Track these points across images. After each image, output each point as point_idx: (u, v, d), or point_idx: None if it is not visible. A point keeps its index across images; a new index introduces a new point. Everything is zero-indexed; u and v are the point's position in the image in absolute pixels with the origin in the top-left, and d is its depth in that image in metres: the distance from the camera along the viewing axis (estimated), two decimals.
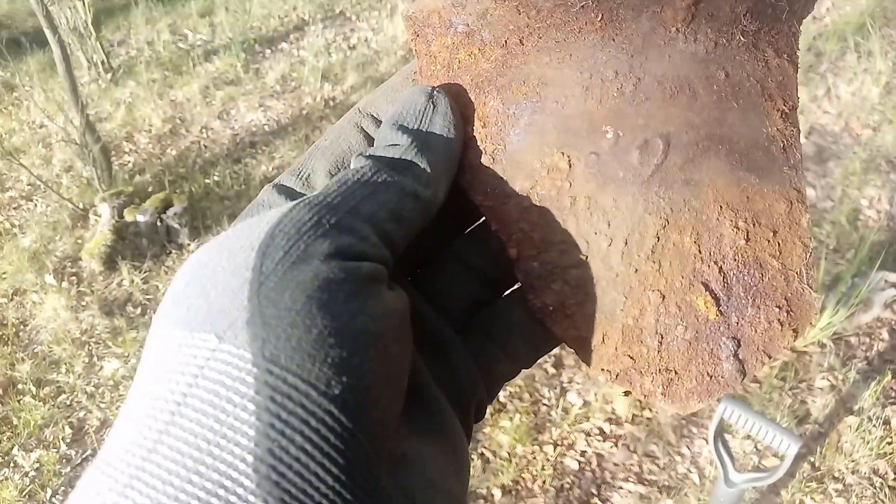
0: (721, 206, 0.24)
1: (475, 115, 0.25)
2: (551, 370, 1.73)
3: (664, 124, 0.24)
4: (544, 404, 1.66)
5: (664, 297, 0.24)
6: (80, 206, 2.19)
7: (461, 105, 0.25)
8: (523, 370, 0.27)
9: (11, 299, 1.99)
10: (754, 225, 0.24)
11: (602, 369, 0.25)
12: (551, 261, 0.25)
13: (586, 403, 1.66)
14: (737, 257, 0.24)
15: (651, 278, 0.24)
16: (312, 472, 0.16)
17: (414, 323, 0.22)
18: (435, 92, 0.24)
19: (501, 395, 1.68)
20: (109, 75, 2.83)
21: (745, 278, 0.24)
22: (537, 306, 0.25)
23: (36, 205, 2.31)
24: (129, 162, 2.47)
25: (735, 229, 0.24)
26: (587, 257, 0.24)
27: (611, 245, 0.24)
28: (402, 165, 0.22)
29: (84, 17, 2.63)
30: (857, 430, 1.57)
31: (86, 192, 2.27)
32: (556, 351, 1.53)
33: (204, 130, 2.59)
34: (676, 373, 0.24)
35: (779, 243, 0.25)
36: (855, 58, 2.62)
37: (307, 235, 0.19)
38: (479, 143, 0.25)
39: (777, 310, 0.24)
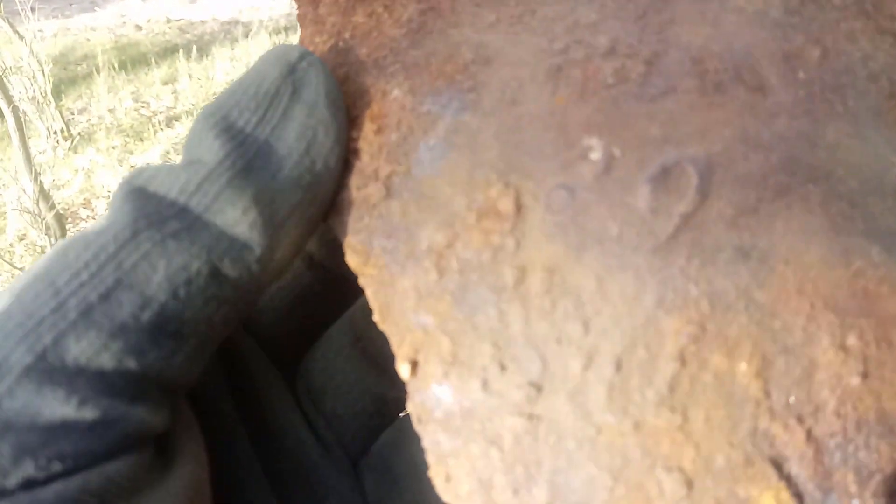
0: (812, 305, 0.12)
1: (366, 113, 0.15)
2: None
3: (701, 138, 0.13)
4: None
5: (691, 485, 0.12)
6: None
7: (347, 95, 0.15)
8: None
9: None
10: (878, 346, 0.12)
11: None
12: (470, 393, 0.13)
13: None
14: (843, 410, 0.12)
15: (667, 443, 0.12)
16: None
17: (281, 455, 0.16)
18: (303, 61, 0.14)
19: None
20: (69, 143, 2.84)
21: (861, 455, 0.12)
22: (441, 478, 0.13)
23: None
24: None
25: (840, 353, 0.12)
26: (540, 390, 0.13)
27: (588, 369, 0.13)
28: (199, 207, 0.13)
29: (43, 86, 2.64)
30: None
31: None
32: None
33: None
34: None
35: None
36: None
37: None
38: (366, 162, 0.14)
39: None
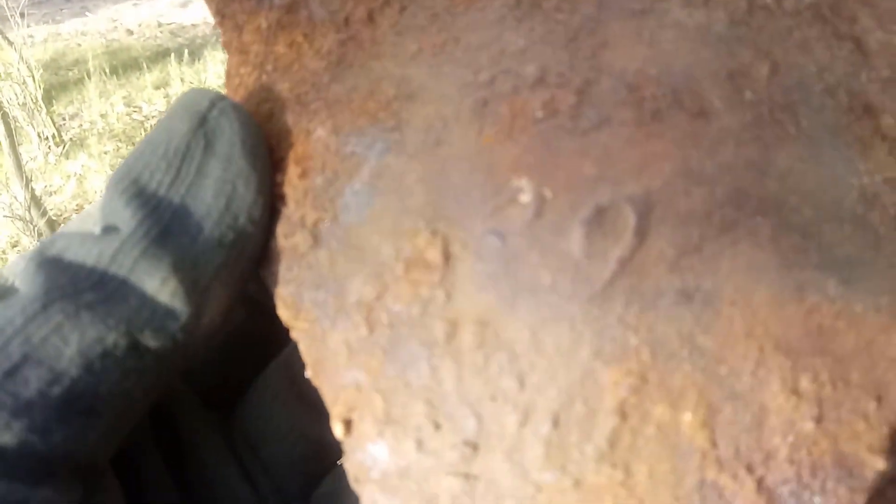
0: (761, 348, 0.12)
1: (290, 155, 0.14)
2: None
3: (638, 174, 0.12)
4: None
5: None
6: None
7: (271, 136, 0.14)
8: None
9: None
10: (834, 386, 0.12)
11: None
12: (406, 453, 0.12)
13: None
14: (797, 457, 0.12)
15: (610, 501, 0.12)
16: None
17: None
18: (214, 109, 0.13)
19: None
20: (60, 149, 2.83)
21: (817, 501, 0.12)
22: None
23: None
24: None
25: (792, 397, 0.12)
26: (476, 449, 0.12)
27: (525, 426, 0.12)
28: (117, 278, 0.12)
29: (34, 92, 2.63)
30: None
31: None
32: None
33: None
34: None
35: (888, 423, 0.12)
36: None
37: None
38: (292, 209, 0.14)
39: None
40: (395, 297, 0.13)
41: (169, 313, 0.12)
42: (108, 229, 0.13)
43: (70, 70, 3.43)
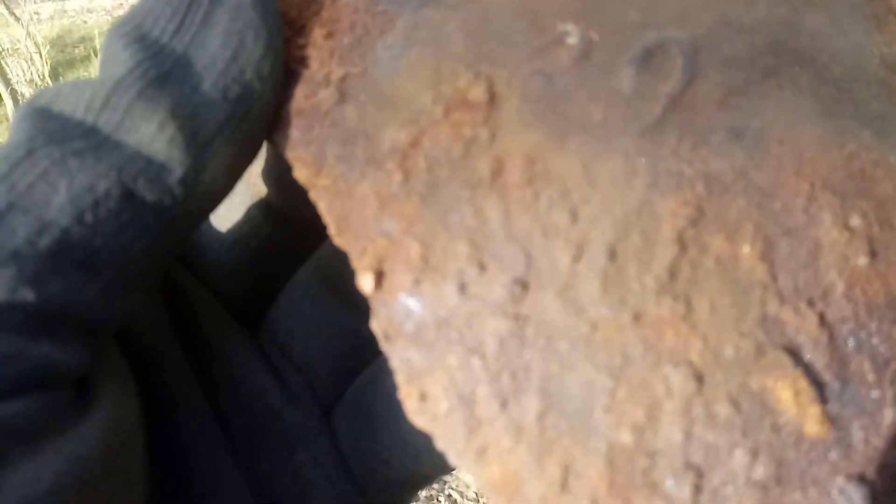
0: (812, 185, 0.12)
1: (314, 20, 0.13)
2: None
3: (682, 22, 0.13)
4: None
5: (701, 379, 0.11)
6: None
7: (290, 6, 0.14)
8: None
9: None
10: (882, 227, 0.12)
11: None
12: (445, 299, 0.12)
13: None
14: (853, 294, 0.11)
15: (671, 336, 0.11)
16: None
17: (239, 406, 0.15)
18: None
19: None
20: None
21: (874, 342, 0.11)
22: (414, 399, 0.12)
23: None
24: None
25: (844, 232, 0.11)
26: (526, 287, 0.12)
27: (578, 260, 0.11)
28: (109, 124, 0.11)
29: (41, 69, 2.63)
30: None
31: None
32: None
33: None
34: None
35: None
36: None
37: None
38: (315, 69, 0.13)
39: None
40: (434, 141, 0.12)
41: (165, 164, 0.11)
42: (105, 73, 0.12)
43: (76, 47, 3.43)
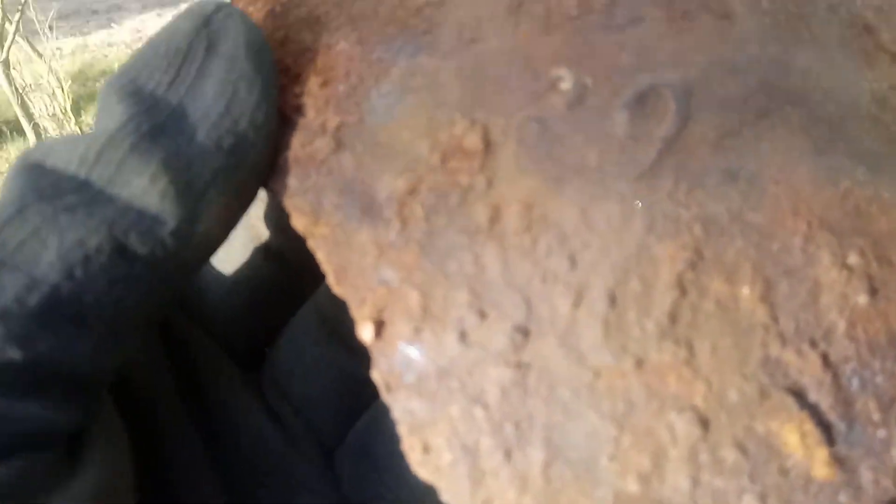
0: (809, 224, 0.12)
1: (310, 68, 0.14)
2: None
3: (674, 64, 0.13)
4: None
5: (706, 424, 0.11)
6: None
7: (286, 55, 0.14)
8: None
9: None
10: (880, 264, 0.12)
11: None
12: (446, 348, 0.12)
13: None
14: (854, 333, 0.11)
15: (674, 381, 0.11)
16: None
17: (238, 452, 0.15)
18: (220, 12, 0.13)
19: None
20: None
21: (878, 381, 0.11)
22: (418, 450, 0.12)
23: None
24: None
25: (843, 271, 0.12)
26: (527, 335, 0.11)
27: (579, 306, 0.11)
28: (101, 179, 0.11)
29: (63, 103, 2.68)
30: None
31: None
32: None
33: None
34: None
35: None
36: None
37: None
38: (311, 117, 0.13)
39: None
40: (432, 188, 0.12)
41: (158, 215, 0.11)
42: (99, 128, 0.12)
43: (97, 81, 3.49)
